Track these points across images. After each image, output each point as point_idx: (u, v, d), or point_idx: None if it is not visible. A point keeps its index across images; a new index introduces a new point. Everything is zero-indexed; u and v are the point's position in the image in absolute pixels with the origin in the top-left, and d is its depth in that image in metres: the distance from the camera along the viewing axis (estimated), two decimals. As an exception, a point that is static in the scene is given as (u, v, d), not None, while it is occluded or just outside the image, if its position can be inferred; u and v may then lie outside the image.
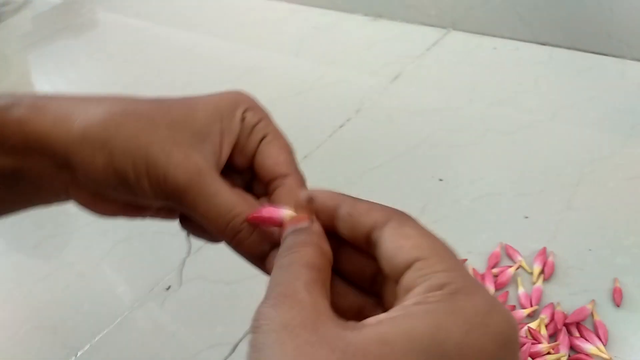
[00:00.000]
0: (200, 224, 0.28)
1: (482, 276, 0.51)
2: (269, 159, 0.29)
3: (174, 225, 0.71)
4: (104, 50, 1.14)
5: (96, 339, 0.54)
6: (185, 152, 0.26)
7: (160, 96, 0.29)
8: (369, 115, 0.76)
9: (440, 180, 0.63)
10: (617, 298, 0.48)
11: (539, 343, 0.45)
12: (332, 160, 0.70)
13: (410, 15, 0.94)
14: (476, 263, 0.53)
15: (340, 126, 0.75)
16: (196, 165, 0.26)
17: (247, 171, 0.31)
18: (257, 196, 0.30)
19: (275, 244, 0.26)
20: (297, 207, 0.25)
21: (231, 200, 0.27)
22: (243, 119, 0.29)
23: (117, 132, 0.26)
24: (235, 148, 0.29)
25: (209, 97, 0.29)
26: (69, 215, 0.70)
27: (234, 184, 0.29)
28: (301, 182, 0.30)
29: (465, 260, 0.53)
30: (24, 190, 0.29)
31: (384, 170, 0.66)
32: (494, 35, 0.87)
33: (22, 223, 0.70)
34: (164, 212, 0.31)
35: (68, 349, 0.54)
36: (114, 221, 0.68)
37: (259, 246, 0.27)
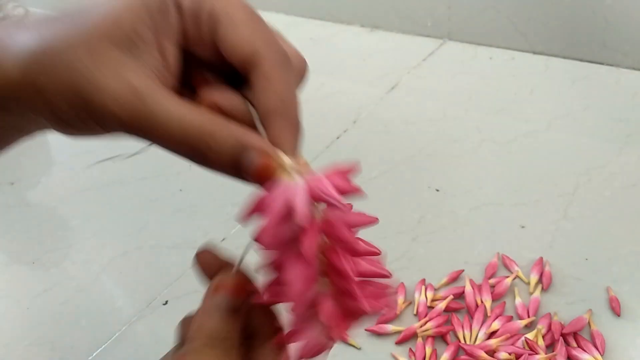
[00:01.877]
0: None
1: (479, 287, 0.51)
2: (231, 44, 0.23)
3: (172, 238, 0.71)
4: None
5: (94, 354, 0.54)
6: (112, 74, 0.21)
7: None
8: (366, 125, 0.77)
9: (437, 190, 0.64)
10: (615, 307, 0.48)
11: (536, 354, 0.44)
12: (329, 171, 0.71)
13: (406, 26, 0.95)
14: (473, 273, 0.53)
15: (338, 137, 0.76)
16: (129, 87, 0.21)
17: (227, 64, 0.24)
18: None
19: (244, 145, 0.22)
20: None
21: (180, 112, 0.21)
22: (180, 7, 0.23)
23: (42, 69, 0.22)
24: (190, 45, 0.24)
25: None
26: (67, 230, 0.70)
27: (213, 85, 0.24)
28: (279, 59, 0.23)
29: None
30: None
31: (380, 181, 0.67)
32: (490, 45, 0.87)
33: (21, 238, 0.70)
34: None
35: (66, 364, 0.54)
36: (112, 235, 0.68)
37: (226, 154, 0.22)
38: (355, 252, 0.23)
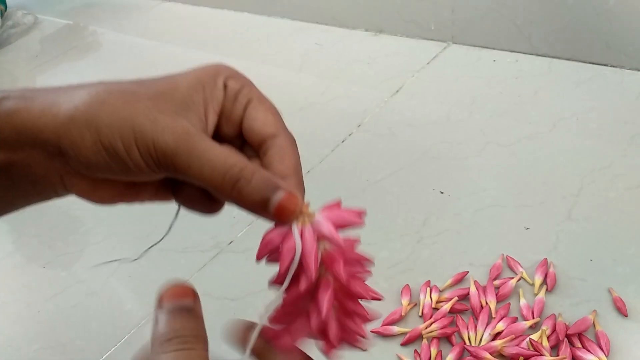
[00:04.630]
0: (196, 191, 0.29)
1: (484, 288, 0.51)
2: (257, 122, 0.29)
3: (181, 243, 0.71)
4: (110, 70, 1.16)
5: (104, 357, 0.55)
6: (171, 117, 0.26)
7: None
8: (371, 129, 0.77)
9: (442, 192, 0.64)
10: (621, 307, 0.48)
11: (542, 355, 0.45)
12: (334, 174, 0.71)
13: (410, 30, 0.95)
14: (478, 275, 0.53)
15: (343, 141, 0.76)
16: (183, 127, 0.26)
17: (236, 140, 0.30)
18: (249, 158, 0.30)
19: (276, 187, 0.26)
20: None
21: (224, 153, 0.26)
22: (225, 87, 0.29)
23: (101, 109, 0.26)
24: (222, 116, 0.29)
25: (191, 71, 0.29)
26: (77, 234, 0.71)
27: None
28: (291, 140, 0.29)
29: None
30: (18, 186, 0.29)
31: (385, 184, 0.67)
32: (494, 48, 0.87)
33: (32, 243, 0.71)
34: (161, 191, 0.31)
35: (77, 366, 0.55)
36: (122, 240, 0.69)
37: (260, 191, 0.26)
38: (349, 293, 0.27)
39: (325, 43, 1.01)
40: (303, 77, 0.94)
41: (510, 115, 0.74)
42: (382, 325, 0.50)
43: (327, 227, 0.25)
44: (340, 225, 0.26)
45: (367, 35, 1.00)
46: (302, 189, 0.28)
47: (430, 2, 0.91)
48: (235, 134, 0.30)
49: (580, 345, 0.46)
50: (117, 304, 0.60)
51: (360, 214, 0.26)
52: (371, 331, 0.50)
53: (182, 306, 0.26)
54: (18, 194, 0.29)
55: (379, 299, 0.28)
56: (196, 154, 0.26)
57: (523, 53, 0.85)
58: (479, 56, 0.87)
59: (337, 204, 0.27)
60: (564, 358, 0.44)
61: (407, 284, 0.53)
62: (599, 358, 0.44)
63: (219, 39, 1.15)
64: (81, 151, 0.26)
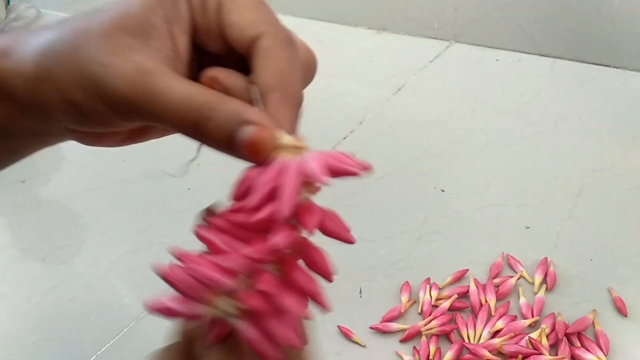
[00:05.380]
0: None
1: (484, 286, 0.51)
2: (235, 27, 0.23)
3: (179, 236, 0.71)
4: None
5: (102, 350, 0.55)
6: (122, 55, 0.22)
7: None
8: (372, 127, 0.77)
9: (442, 191, 0.64)
10: (621, 307, 0.48)
11: (541, 354, 0.45)
12: (335, 171, 0.71)
13: (413, 29, 0.95)
14: (478, 273, 0.53)
15: (344, 138, 0.76)
16: (136, 66, 0.22)
17: (234, 57, 0.25)
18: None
19: (241, 120, 0.21)
20: None
21: (186, 89, 0.22)
22: None
23: (57, 59, 0.23)
24: (199, 34, 0.24)
25: None
26: (77, 227, 0.71)
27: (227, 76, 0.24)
28: (278, 38, 0.24)
29: None
30: (14, 139, 0.26)
31: (386, 181, 0.67)
32: (496, 47, 0.87)
33: (32, 235, 0.71)
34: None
35: None
36: (121, 233, 0.68)
37: (223, 129, 0.22)
38: (309, 261, 0.22)
39: (327, 40, 1.01)
40: (305, 74, 0.93)
41: (512, 114, 0.74)
42: (381, 322, 0.50)
43: (315, 167, 0.20)
44: (333, 171, 0.21)
45: (370, 33, 1.00)
46: (292, 103, 0.23)
47: (433, 0, 0.91)
48: (228, 48, 0.25)
49: (579, 345, 0.46)
50: (116, 297, 0.60)
51: (363, 166, 0.22)
52: (370, 327, 0.50)
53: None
54: (22, 143, 0.27)
55: (330, 280, 0.22)
56: (153, 97, 0.22)
57: (526, 53, 0.85)
58: (482, 55, 0.87)
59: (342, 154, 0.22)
60: (563, 357, 0.44)
61: (407, 281, 0.53)
62: (598, 357, 0.44)
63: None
64: (54, 111, 0.23)
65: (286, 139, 0.21)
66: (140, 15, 0.23)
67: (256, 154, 0.21)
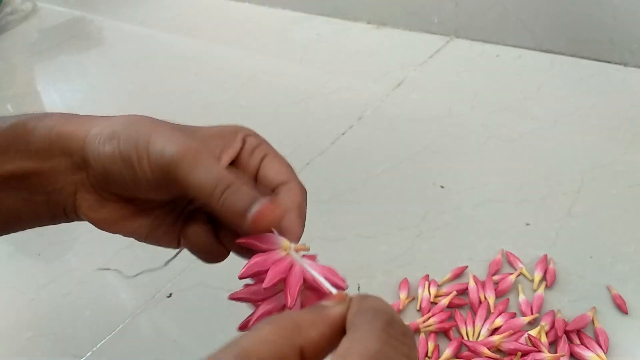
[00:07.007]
0: (201, 232, 0.31)
1: (483, 283, 0.51)
2: (272, 170, 0.32)
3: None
4: (110, 58, 1.15)
5: (97, 346, 0.54)
6: (186, 138, 0.29)
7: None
8: (372, 122, 0.77)
9: (442, 187, 0.63)
10: (621, 305, 0.47)
11: (540, 351, 0.44)
12: (334, 167, 0.71)
13: (413, 23, 0.95)
14: (477, 270, 0.53)
15: (343, 133, 0.76)
16: (194, 146, 0.29)
17: None
18: None
19: (257, 198, 0.28)
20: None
21: (224, 170, 0.29)
22: (244, 142, 0.32)
23: (125, 127, 0.30)
24: (236, 165, 0.32)
25: (214, 125, 0.33)
26: (72, 222, 0.70)
27: None
28: (301, 188, 0.32)
29: None
30: (33, 198, 0.31)
31: (385, 177, 0.67)
32: (497, 43, 0.87)
33: (26, 231, 0.70)
34: (168, 232, 0.33)
35: (69, 356, 0.54)
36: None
37: (241, 200, 0.28)
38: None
39: (326, 35, 1.01)
40: (304, 68, 0.93)
41: (512, 110, 0.73)
42: (379, 319, 0.49)
43: (316, 273, 0.27)
44: (327, 278, 0.27)
45: (370, 28, 1.00)
46: (301, 224, 0.31)
47: (433, -5, 0.90)
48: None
49: (578, 342, 0.45)
50: (111, 293, 0.60)
51: (344, 281, 0.27)
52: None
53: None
54: (29, 208, 0.32)
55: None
56: (197, 166, 0.28)
57: (526, 48, 0.84)
58: (482, 51, 0.86)
59: (313, 257, 0.28)
60: (563, 355, 0.44)
61: (406, 278, 0.53)
62: (597, 355, 0.44)
63: (220, 29, 1.15)
64: (100, 158, 0.29)
65: (302, 245, 0.28)
66: (206, 135, 0.31)
67: (259, 224, 0.28)
